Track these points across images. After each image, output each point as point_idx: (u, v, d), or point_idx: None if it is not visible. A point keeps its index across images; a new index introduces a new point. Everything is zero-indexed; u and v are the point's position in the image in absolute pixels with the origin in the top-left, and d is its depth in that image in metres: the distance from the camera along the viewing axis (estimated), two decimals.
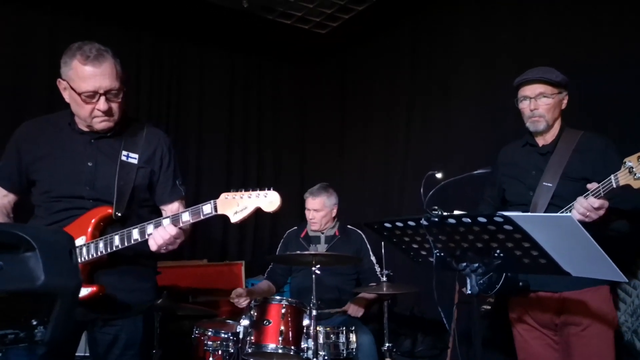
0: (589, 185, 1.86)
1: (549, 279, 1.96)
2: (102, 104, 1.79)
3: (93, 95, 1.78)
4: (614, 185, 1.76)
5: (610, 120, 2.78)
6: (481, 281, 2.12)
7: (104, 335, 1.89)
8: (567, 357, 2.11)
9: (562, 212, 1.94)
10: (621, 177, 1.74)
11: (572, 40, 3.01)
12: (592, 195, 1.83)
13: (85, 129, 1.90)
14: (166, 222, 1.78)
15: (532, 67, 2.29)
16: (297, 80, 5.29)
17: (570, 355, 2.09)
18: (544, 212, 2.06)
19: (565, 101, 2.19)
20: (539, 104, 2.14)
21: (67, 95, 1.85)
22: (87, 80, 1.77)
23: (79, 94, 1.78)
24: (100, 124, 1.85)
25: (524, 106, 2.18)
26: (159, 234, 1.76)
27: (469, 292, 2.15)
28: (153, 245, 1.78)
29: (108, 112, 1.82)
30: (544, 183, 2.11)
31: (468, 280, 2.21)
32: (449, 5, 3.89)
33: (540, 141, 2.23)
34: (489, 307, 2.24)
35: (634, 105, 2.70)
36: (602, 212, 1.84)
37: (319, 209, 3.38)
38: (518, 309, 2.20)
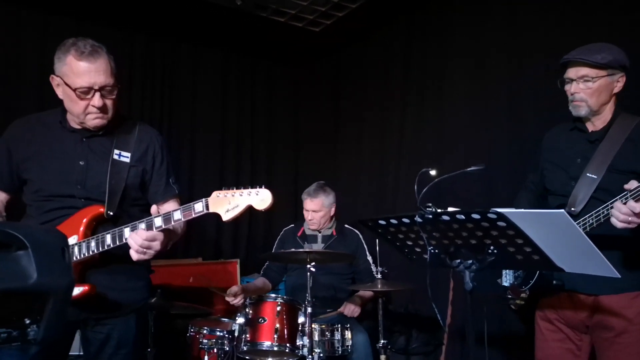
0: (626, 186, 1.66)
1: (584, 279, 1.76)
2: (96, 100, 1.78)
3: (88, 91, 1.77)
4: None
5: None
6: (516, 274, 2.09)
7: (97, 335, 1.88)
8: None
9: (597, 213, 1.78)
10: None
11: (565, 37, 3.02)
12: (632, 197, 1.63)
13: (77, 127, 1.89)
14: (157, 221, 1.76)
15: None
16: (291, 78, 5.28)
17: (601, 358, 1.97)
18: (584, 206, 1.90)
19: (619, 84, 1.96)
20: (580, 87, 1.94)
21: (60, 92, 1.84)
22: (82, 76, 1.76)
23: (74, 90, 1.77)
24: (94, 120, 1.83)
25: (567, 88, 1.99)
26: (133, 241, 1.73)
27: (505, 284, 2.11)
28: (134, 255, 1.75)
29: (102, 109, 1.81)
30: (587, 174, 1.92)
31: (505, 272, 2.13)
32: (443, 4, 3.90)
33: (590, 127, 2.01)
34: (522, 302, 2.12)
35: (628, 100, 2.72)
36: None
37: (318, 209, 3.36)
38: (546, 307, 2.09)
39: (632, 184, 1.66)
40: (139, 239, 1.72)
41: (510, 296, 2.16)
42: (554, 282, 1.97)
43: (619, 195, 1.70)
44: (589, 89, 1.95)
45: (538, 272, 1.98)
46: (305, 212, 3.42)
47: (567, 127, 2.11)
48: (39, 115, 2.00)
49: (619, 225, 1.70)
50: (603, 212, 1.79)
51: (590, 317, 1.98)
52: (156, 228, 1.76)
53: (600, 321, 1.95)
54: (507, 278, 2.11)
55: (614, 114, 1.99)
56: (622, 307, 1.90)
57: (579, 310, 1.99)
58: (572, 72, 1.97)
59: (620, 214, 1.67)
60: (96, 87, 1.77)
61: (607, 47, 1.96)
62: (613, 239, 1.83)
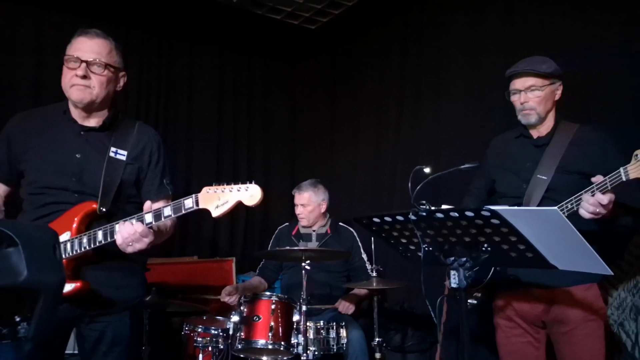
0: (594, 179, 1.79)
1: (538, 273, 1.94)
2: (80, 69, 1.82)
3: (75, 60, 1.82)
4: (624, 179, 1.70)
5: (601, 111, 2.80)
6: (468, 274, 2.14)
7: (91, 332, 1.87)
8: (557, 356, 2.08)
9: (562, 207, 1.88)
10: (631, 170, 1.69)
11: (561, 35, 3.03)
12: (598, 190, 1.76)
13: (77, 118, 1.91)
14: (148, 217, 1.76)
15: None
16: (287, 75, 5.27)
17: (561, 354, 2.06)
18: (538, 205, 2.01)
19: (559, 92, 2.13)
20: (529, 96, 2.08)
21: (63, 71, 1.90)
22: (75, 47, 1.85)
23: (65, 60, 1.84)
24: (76, 92, 1.84)
25: (515, 99, 2.13)
26: (124, 229, 1.73)
27: (455, 286, 2.17)
28: (119, 240, 1.75)
29: (86, 80, 1.83)
30: (538, 175, 2.06)
31: (452, 274, 2.23)
32: (439, 2, 3.90)
33: (535, 133, 2.17)
34: (475, 302, 2.21)
35: (623, 97, 2.73)
36: (610, 206, 1.77)
37: (306, 204, 3.39)
38: (504, 303, 2.16)
39: (599, 178, 1.78)
40: (132, 230, 1.72)
41: (458, 297, 2.21)
42: (510, 277, 2.05)
43: (570, 194, 1.85)
44: (537, 98, 2.09)
45: (493, 268, 2.02)
46: (295, 207, 3.46)
47: (513, 135, 2.26)
48: (42, 109, 2.03)
49: (587, 215, 1.81)
50: (567, 207, 1.88)
51: (546, 312, 2.07)
52: (147, 224, 1.75)
53: (556, 316, 2.04)
54: (455, 280, 2.16)
55: (556, 121, 2.15)
56: (577, 299, 2.00)
57: (535, 305, 2.07)
58: (519, 84, 2.11)
59: (589, 205, 1.78)
60: (83, 58, 1.83)
61: (547, 59, 2.12)
62: (587, 233, 1.88)
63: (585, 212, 1.81)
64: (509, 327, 2.15)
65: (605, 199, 1.75)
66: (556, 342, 2.08)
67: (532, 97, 2.09)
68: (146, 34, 4.44)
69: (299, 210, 3.42)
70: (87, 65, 1.83)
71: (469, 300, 2.21)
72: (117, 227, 1.77)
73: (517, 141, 2.22)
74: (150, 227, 1.77)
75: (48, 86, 3.53)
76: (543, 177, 2.05)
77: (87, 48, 1.84)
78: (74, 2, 3.93)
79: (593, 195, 1.78)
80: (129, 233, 1.72)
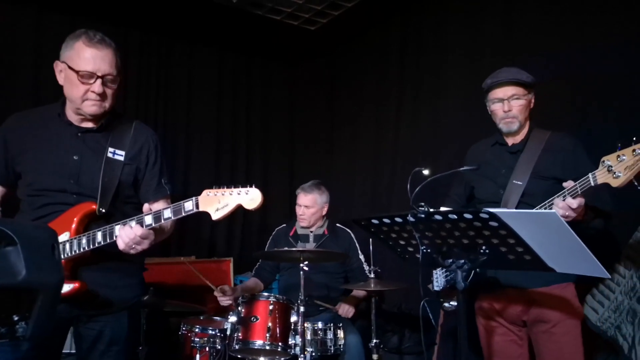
0: (565, 184, 1.87)
1: (517, 275, 2.01)
2: (97, 86, 1.80)
3: (91, 76, 1.80)
4: (592, 184, 1.77)
5: (597, 113, 2.81)
6: (449, 277, 2.17)
7: (89, 331, 1.87)
8: (537, 354, 2.14)
9: (541, 208, 1.94)
10: (599, 176, 1.76)
11: (560, 36, 3.04)
12: (569, 194, 1.83)
13: (74, 120, 1.89)
14: (148, 219, 1.76)
15: (520, 64, 2.31)
16: (286, 77, 5.28)
17: (540, 352, 2.12)
18: (515, 209, 2.07)
19: (532, 101, 2.21)
20: (512, 105, 2.16)
21: (62, 78, 1.86)
22: (88, 61, 1.79)
23: (77, 72, 1.79)
24: (91, 107, 1.84)
25: (497, 108, 2.20)
26: (125, 233, 1.74)
27: (437, 289, 2.20)
28: (120, 245, 1.75)
29: (102, 96, 1.83)
30: (514, 181, 2.13)
31: (434, 277, 2.28)
32: (438, 3, 3.91)
33: (510, 140, 2.25)
34: (456, 303, 2.22)
35: (620, 99, 2.73)
36: (579, 210, 1.84)
37: (310, 205, 3.38)
38: (485, 305, 2.21)
39: (570, 183, 1.85)
40: (132, 234, 1.72)
41: (442, 300, 2.28)
42: (490, 279, 2.10)
43: (545, 198, 1.93)
44: (520, 106, 2.17)
45: (473, 272, 2.04)
46: (297, 207, 3.43)
47: (489, 143, 2.34)
48: (38, 109, 2.01)
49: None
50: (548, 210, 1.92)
51: (525, 312, 2.13)
52: (146, 226, 1.76)
53: (536, 316, 2.11)
54: (438, 282, 2.21)
55: (529, 128, 2.23)
56: (555, 298, 2.07)
57: (514, 305, 2.14)
58: (500, 93, 2.18)
59: (559, 208, 1.85)
60: (99, 74, 1.80)
61: (522, 70, 2.20)
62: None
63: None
64: (492, 326, 2.21)
65: (574, 202, 1.81)
66: (535, 340, 2.14)
67: (515, 105, 2.16)
68: (146, 34, 4.44)
69: (301, 210, 3.40)
70: (102, 81, 1.81)
71: (451, 303, 2.25)
72: (117, 229, 1.77)
73: (493, 149, 2.31)
74: (151, 228, 1.77)
75: (47, 86, 3.53)
76: (518, 183, 2.12)
77: (99, 61, 1.80)
78: (73, 3, 3.93)
79: (564, 200, 1.84)
80: (129, 237, 1.73)
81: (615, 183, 1.72)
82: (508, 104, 2.16)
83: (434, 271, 2.27)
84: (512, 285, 2.10)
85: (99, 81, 1.80)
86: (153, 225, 1.76)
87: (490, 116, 3.36)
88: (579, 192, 1.82)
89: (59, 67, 1.85)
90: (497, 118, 2.22)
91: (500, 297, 2.16)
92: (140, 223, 1.75)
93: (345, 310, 3.18)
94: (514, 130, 2.20)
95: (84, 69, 1.79)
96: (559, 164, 2.10)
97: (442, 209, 1.57)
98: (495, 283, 2.11)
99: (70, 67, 1.80)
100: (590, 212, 1.93)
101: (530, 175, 2.11)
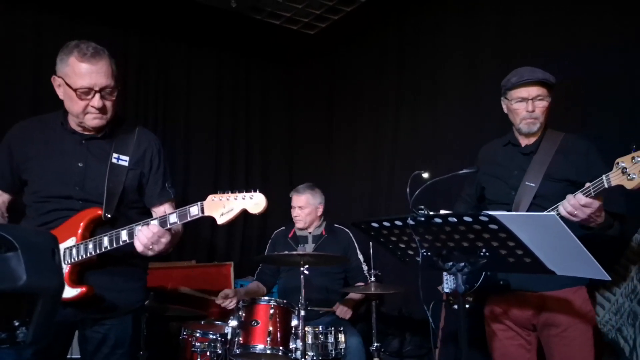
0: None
1: (528, 278, 1.98)
2: (96, 101, 1.81)
3: (88, 91, 1.80)
4: (606, 186, 1.74)
5: (597, 114, 2.82)
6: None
7: (94, 334, 1.90)
8: (547, 358, 2.12)
9: (554, 210, 1.91)
10: (613, 178, 1.72)
11: (558, 39, 3.04)
12: (582, 193, 1.80)
13: (77, 129, 1.91)
14: (154, 223, 1.78)
15: (519, 66, 2.29)
16: (286, 81, 5.28)
17: (551, 357, 2.10)
18: (526, 211, 2.05)
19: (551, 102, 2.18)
20: (536, 105, 2.11)
21: (61, 92, 1.86)
22: (84, 77, 1.79)
23: (75, 90, 1.79)
24: (93, 121, 1.85)
25: (519, 107, 2.14)
26: (143, 234, 1.76)
27: (448, 290, 2.20)
28: (139, 246, 1.77)
29: (102, 110, 1.84)
30: (526, 183, 2.10)
31: (445, 279, 2.27)
32: (437, 7, 3.92)
33: (524, 141, 2.21)
34: (467, 306, 2.23)
35: (618, 101, 2.74)
36: (589, 210, 1.80)
37: (304, 206, 3.42)
38: (495, 307, 2.20)
39: (586, 184, 1.83)
40: (150, 233, 1.75)
41: (451, 301, 2.26)
42: (501, 282, 2.08)
43: (557, 201, 1.89)
44: (543, 107, 2.13)
45: (484, 273, 2.05)
46: (292, 210, 3.48)
47: (501, 143, 2.30)
48: (41, 118, 2.03)
49: (564, 214, 1.84)
50: (555, 212, 1.90)
51: (536, 316, 2.10)
52: (170, 224, 1.79)
53: (547, 319, 2.08)
54: (448, 284, 2.20)
55: (543, 130, 2.19)
56: (566, 302, 2.04)
57: (525, 309, 2.11)
58: (525, 92, 2.12)
59: (568, 204, 1.83)
60: (96, 88, 1.80)
61: (544, 71, 2.15)
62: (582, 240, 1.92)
63: (563, 209, 1.85)
64: (501, 330, 2.19)
65: (582, 200, 1.78)
66: (546, 344, 2.11)
67: (539, 106, 2.12)
68: (145, 38, 4.44)
69: (295, 212, 3.45)
70: (100, 95, 1.81)
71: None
72: (123, 234, 1.79)
73: (505, 149, 2.27)
74: (168, 229, 1.79)
75: (47, 92, 3.52)
76: (531, 184, 2.09)
77: (95, 76, 1.79)
78: (72, 7, 3.94)
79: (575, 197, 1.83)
80: (147, 237, 1.75)
81: (629, 185, 1.68)
82: (532, 104, 2.11)
83: (445, 273, 2.26)
84: (524, 289, 2.08)
85: (97, 95, 1.81)
86: (178, 222, 1.78)
87: (490, 116, 3.39)
88: (592, 194, 1.78)
89: (56, 81, 1.86)
90: (518, 117, 2.16)
91: (511, 300, 2.13)
92: (163, 222, 1.77)
93: (343, 311, 3.18)
94: (534, 131, 2.15)
95: (81, 85, 1.79)
96: (572, 167, 2.07)
97: (442, 212, 1.57)
98: (506, 286, 2.08)
99: (67, 84, 1.81)
100: (608, 216, 1.90)
101: (543, 177, 2.08)
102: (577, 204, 1.80)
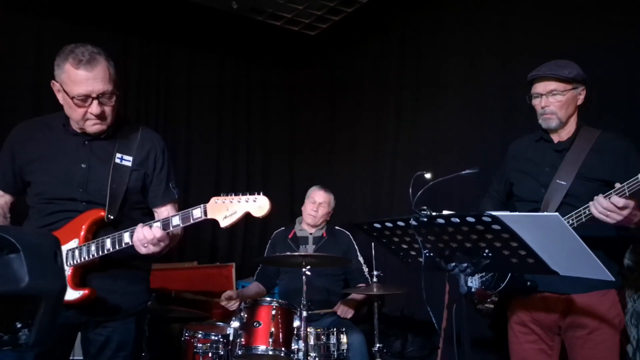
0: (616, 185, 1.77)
1: (556, 280, 1.84)
2: (94, 107, 1.78)
3: (85, 98, 1.77)
4: None
5: (597, 114, 2.81)
6: (484, 279, 2.10)
7: (97, 336, 1.89)
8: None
9: (579, 212, 1.87)
10: None
11: (560, 38, 3.04)
12: (616, 194, 1.73)
13: (79, 131, 1.90)
14: (157, 226, 1.77)
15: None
16: (287, 82, 5.28)
17: (574, 358, 2.04)
18: (556, 210, 1.97)
19: (581, 97, 2.10)
20: (550, 101, 2.06)
21: (60, 97, 1.85)
22: (80, 84, 1.75)
23: (72, 98, 1.77)
24: (93, 127, 1.84)
25: (536, 103, 2.10)
26: (142, 232, 1.75)
27: (470, 290, 2.15)
28: (135, 242, 1.76)
29: (100, 116, 1.81)
30: (557, 181, 2.03)
31: (462, 279, 2.22)
32: (438, 8, 3.91)
33: (556, 137, 2.13)
34: (491, 306, 2.16)
35: (620, 100, 2.73)
36: (626, 212, 1.73)
37: (324, 203, 3.43)
38: (519, 309, 2.14)
39: (617, 185, 1.77)
40: (150, 234, 1.74)
41: (476, 301, 2.22)
42: (528, 283, 2.02)
43: (590, 200, 1.83)
44: (558, 102, 2.06)
45: (510, 274, 2.01)
46: (310, 204, 3.45)
47: (533, 138, 2.22)
48: (44, 118, 2.01)
49: (597, 215, 1.80)
50: (584, 212, 1.87)
51: (562, 318, 2.05)
52: (173, 226, 1.78)
53: (573, 321, 2.02)
54: (473, 283, 2.16)
55: (577, 126, 2.12)
56: (594, 305, 1.99)
57: (552, 311, 2.06)
58: (540, 87, 2.09)
59: (601, 206, 1.77)
60: (94, 95, 1.77)
61: (570, 63, 2.09)
62: (590, 240, 1.86)
63: (594, 210, 1.80)
64: (523, 333, 2.13)
65: (621, 201, 1.72)
66: (570, 346, 2.05)
67: (553, 101, 2.06)
68: (146, 40, 4.45)
69: (313, 207, 3.42)
70: (99, 101, 1.78)
71: (485, 305, 2.18)
72: (126, 236, 1.78)
73: (537, 145, 2.20)
74: (168, 233, 1.78)
75: (48, 93, 3.52)
76: (562, 183, 2.02)
77: (92, 82, 1.75)
78: (73, 10, 3.94)
79: (610, 200, 1.75)
80: (147, 238, 1.74)
81: None
82: (546, 100, 2.06)
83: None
84: (552, 291, 2.02)
85: (95, 102, 1.77)
86: (181, 225, 1.78)
87: (488, 118, 3.39)
88: (627, 194, 1.71)
89: (55, 87, 1.84)
90: (537, 114, 2.12)
91: (536, 302, 2.07)
92: (166, 224, 1.76)
93: (344, 311, 3.18)
94: (553, 127, 2.09)
95: (77, 93, 1.76)
96: (607, 166, 1.99)
97: (445, 212, 1.56)
98: (533, 287, 2.03)
99: (65, 91, 1.78)
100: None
101: (576, 176, 2.00)
102: (611, 206, 1.74)
